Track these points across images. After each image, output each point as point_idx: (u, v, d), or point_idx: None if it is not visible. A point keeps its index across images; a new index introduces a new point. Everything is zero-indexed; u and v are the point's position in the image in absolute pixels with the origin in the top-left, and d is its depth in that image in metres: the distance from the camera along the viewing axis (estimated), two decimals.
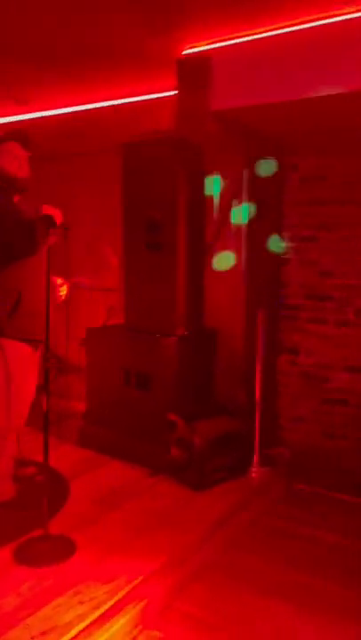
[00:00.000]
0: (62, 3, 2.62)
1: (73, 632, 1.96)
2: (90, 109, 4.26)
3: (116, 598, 2.15)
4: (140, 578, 2.28)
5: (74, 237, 4.53)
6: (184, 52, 3.07)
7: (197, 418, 3.22)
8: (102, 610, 2.08)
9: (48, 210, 2.55)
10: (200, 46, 3.02)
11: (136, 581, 2.26)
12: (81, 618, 2.03)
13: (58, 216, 2.56)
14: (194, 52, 3.05)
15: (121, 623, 2.07)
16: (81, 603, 2.11)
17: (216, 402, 3.61)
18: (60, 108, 4.39)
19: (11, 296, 2.51)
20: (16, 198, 2.67)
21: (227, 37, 2.94)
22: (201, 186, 3.53)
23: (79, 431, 3.81)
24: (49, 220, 2.51)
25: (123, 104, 4.03)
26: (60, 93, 4.07)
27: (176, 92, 3.31)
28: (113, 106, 4.07)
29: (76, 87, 3.90)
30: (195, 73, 3.04)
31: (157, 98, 3.79)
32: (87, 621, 2.01)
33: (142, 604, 2.17)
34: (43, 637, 1.92)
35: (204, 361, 3.64)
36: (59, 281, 2.82)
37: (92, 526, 2.70)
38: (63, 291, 2.83)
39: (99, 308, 4.54)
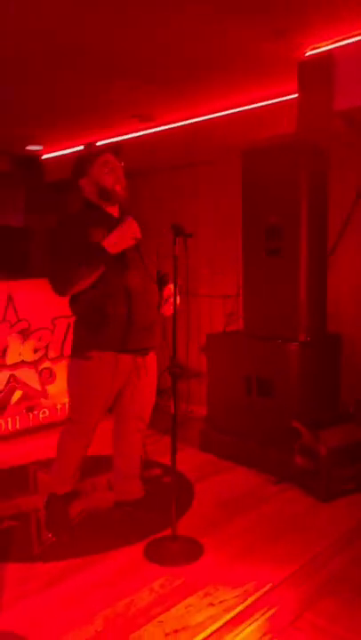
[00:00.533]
0: (176, 19, 2.68)
1: (205, 633, 1.99)
2: (210, 119, 4.34)
3: (246, 603, 2.15)
4: (270, 585, 2.26)
5: (194, 246, 4.68)
6: (306, 54, 3.03)
7: (323, 426, 3.14)
8: (233, 613, 2.09)
9: (118, 238, 2.46)
10: (322, 46, 2.96)
11: (265, 588, 2.24)
12: (212, 619, 2.05)
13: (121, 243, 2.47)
14: (316, 53, 3.00)
15: (251, 629, 2.06)
16: (211, 605, 2.14)
17: (342, 410, 3.49)
18: (181, 120, 4.52)
19: (94, 312, 2.52)
20: (113, 210, 2.63)
21: (350, 35, 2.86)
22: (323, 188, 3.45)
23: (201, 435, 3.87)
24: (101, 255, 2.44)
25: (242, 111, 4.06)
26: (181, 108, 4.20)
27: (296, 95, 3.27)
28: (232, 114, 4.12)
29: (196, 101, 4.00)
30: (317, 74, 2.99)
31: (276, 102, 3.77)
32: (219, 623, 2.04)
33: (272, 611, 2.15)
34: (176, 635, 1.97)
35: (328, 367, 3.54)
36: (170, 291, 2.70)
37: (219, 530, 2.73)
38: (168, 309, 2.71)
39: (218, 314, 4.59)
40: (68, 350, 4.42)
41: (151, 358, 2.77)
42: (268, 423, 3.40)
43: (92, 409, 2.64)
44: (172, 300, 2.63)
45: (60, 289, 2.49)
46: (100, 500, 3.10)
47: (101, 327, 2.52)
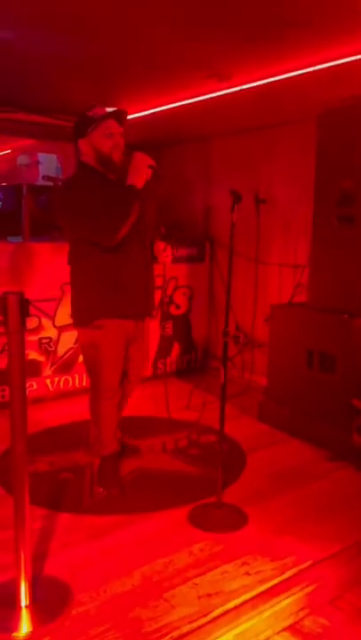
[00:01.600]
0: None
1: (238, 600, 2.00)
2: (288, 78, 4.12)
3: (283, 577, 2.14)
4: (310, 562, 2.23)
5: (267, 212, 4.55)
6: None
7: None
8: (268, 585, 2.09)
9: (135, 173, 2.48)
10: None
11: (305, 565, 2.22)
12: (247, 588, 2.06)
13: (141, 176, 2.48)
14: None
15: (287, 602, 2.05)
16: (247, 574, 2.14)
17: None
18: (260, 80, 4.33)
19: (106, 276, 2.57)
20: (113, 176, 2.62)
21: None
22: None
23: (259, 406, 3.83)
24: (132, 195, 2.46)
25: (324, 69, 3.81)
26: (260, 66, 4.00)
27: None
28: (311, 72, 3.88)
29: (275, 58, 3.79)
30: None
31: (356, 60, 3.50)
32: (253, 593, 2.05)
33: (311, 588, 2.12)
34: (208, 599, 2.00)
35: None
36: (162, 246, 2.83)
37: (266, 502, 2.71)
38: (167, 256, 2.83)
39: (288, 284, 4.46)
40: None
41: (146, 323, 2.90)
42: (328, 399, 3.30)
43: (112, 372, 2.75)
44: (169, 248, 2.79)
45: (112, 238, 2.47)
46: (154, 460, 3.17)
47: (111, 294, 2.58)
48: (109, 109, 2.57)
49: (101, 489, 2.79)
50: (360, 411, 3.02)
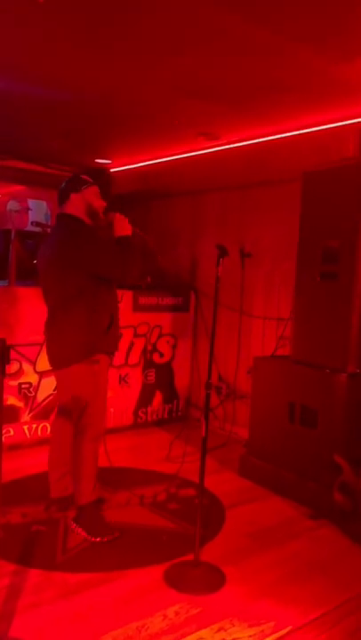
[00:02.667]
0: (249, 46, 2.67)
1: None
2: (274, 140, 4.29)
3: None
4: (289, 628, 2.15)
5: (251, 266, 4.62)
6: None
7: None
8: None
9: (121, 227, 2.87)
10: None
11: (284, 631, 2.13)
12: None
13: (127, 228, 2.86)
14: None
15: None
16: None
17: None
18: (247, 140, 4.49)
19: (106, 315, 2.82)
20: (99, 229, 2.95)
21: None
22: None
23: (240, 460, 3.77)
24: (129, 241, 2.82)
25: (305, 134, 3.98)
26: (246, 127, 4.17)
27: None
28: (297, 136, 4.05)
29: (260, 121, 3.96)
30: None
31: (342, 126, 3.66)
32: None
33: None
34: None
35: None
36: None
37: (245, 561, 2.63)
38: None
39: (271, 337, 4.49)
40: (117, 360, 4.49)
41: None
42: (310, 455, 3.26)
43: (103, 409, 2.91)
44: None
45: (135, 278, 2.88)
46: (131, 514, 3.08)
47: (107, 331, 2.81)
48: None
49: (98, 538, 2.72)
50: (342, 468, 2.98)
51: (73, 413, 2.84)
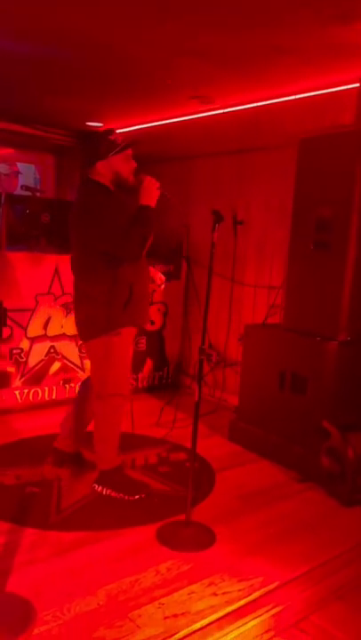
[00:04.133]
0: (247, 6, 2.61)
1: (204, 621, 1.98)
2: (271, 104, 4.22)
3: (249, 598, 2.13)
4: (277, 583, 2.23)
5: (244, 233, 4.61)
6: None
7: (354, 429, 3.04)
8: (235, 606, 2.08)
9: (147, 195, 2.70)
10: None
11: (272, 586, 2.21)
12: (213, 609, 2.05)
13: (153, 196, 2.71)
14: None
15: (253, 624, 2.04)
16: (214, 594, 2.13)
17: None
18: (243, 104, 4.42)
19: (125, 289, 2.72)
20: (126, 196, 2.82)
21: None
22: None
23: (230, 425, 3.84)
24: (149, 213, 2.69)
25: (302, 98, 3.92)
26: (243, 91, 4.09)
27: (359, 84, 3.12)
28: (293, 101, 3.99)
29: (256, 85, 3.89)
30: None
31: (340, 91, 3.62)
32: (219, 614, 2.03)
33: (276, 610, 2.12)
34: (174, 619, 1.98)
35: None
36: (153, 271, 3.08)
37: (234, 521, 2.71)
38: (159, 282, 3.13)
39: (262, 305, 4.52)
40: None
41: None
42: (299, 420, 3.33)
43: (125, 379, 2.89)
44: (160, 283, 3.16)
45: (137, 254, 2.67)
46: None
47: (129, 304, 2.72)
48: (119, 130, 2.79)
49: (130, 497, 2.82)
50: (330, 433, 3.05)
51: (93, 381, 2.89)
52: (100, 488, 2.87)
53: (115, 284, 2.69)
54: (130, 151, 2.76)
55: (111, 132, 2.77)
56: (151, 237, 2.67)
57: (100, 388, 2.84)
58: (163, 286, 3.13)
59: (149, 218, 2.68)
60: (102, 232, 2.63)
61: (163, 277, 3.17)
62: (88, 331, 2.82)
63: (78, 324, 2.89)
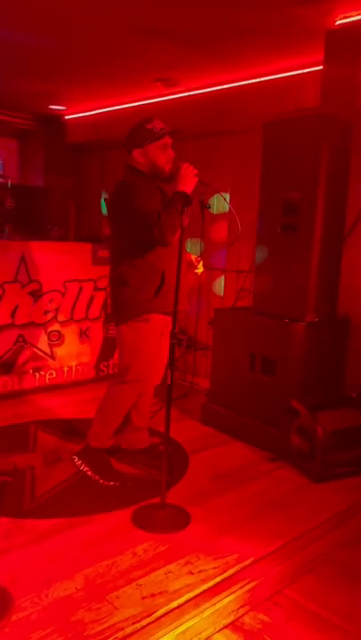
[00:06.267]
0: None
1: (181, 600, 2.02)
2: (233, 87, 4.23)
3: (224, 575, 2.17)
4: (251, 559, 2.28)
5: (211, 218, 4.61)
6: (337, 23, 2.90)
7: (322, 408, 3.11)
8: (211, 584, 2.12)
9: (184, 182, 2.61)
10: (352, 16, 2.83)
11: (246, 562, 2.26)
12: (190, 587, 2.08)
13: (190, 183, 2.63)
14: (345, 23, 2.87)
15: (228, 600, 2.09)
16: (190, 573, 2.17)
17: (344, 394, 3.46)
18: (205, 87, 4.41)
19: (156, 275, 2.72)
20: (163, 184, 2.81)
21: None
22: (345, 165, 3.34)
23: (201, 408, 3.88)
24: (184, 200, 2.56)
25: (266, 81, 3.94)
26: (206, 73, 4.08)
27: (321, 67, 3.15)
28: (257, 83, 4.00)
29: (221, 67, 3.89)
30: (345, 45, 2.86)
31: (303, 74, 3.64)
32: (195, 592, 2.07)
33: (251, 585, 2.17)
34: (152, 599, 2.01)
35: (334, 350, 3.49)
36: (193, 257, 3.00)
37: (208, 502, 2.75)
38: (200, 268, 3.01)
39: (231, 289, 4.55)
40: (77, 314, 4.46)
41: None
42: (269, 401, 3.39)
43: (149, 368, 2.88)
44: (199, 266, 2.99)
45: (166, 239, 2.59)
46: None
47: (159, 291, 2.72)
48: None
49: (105, 481, 2.82)
50: (299, 412, 3.12)
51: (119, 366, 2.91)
52: (79, 462, 2.90)
53: (146, 269, 2.70)
54: (168, 140, 2.73)
55: (149, 120, 2.73)
56: (185, 223, 2.59)
57: (122, 373, 2.87)
58: (200, 271, 3.01)
59: (183, 204, 2.58)
60: (133, 215, 2.62)
61: (200, 262, 3.03)
62: (118, 315, 2.84)
63: (112, 308, 2.92)
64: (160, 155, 2.72)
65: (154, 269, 2.71)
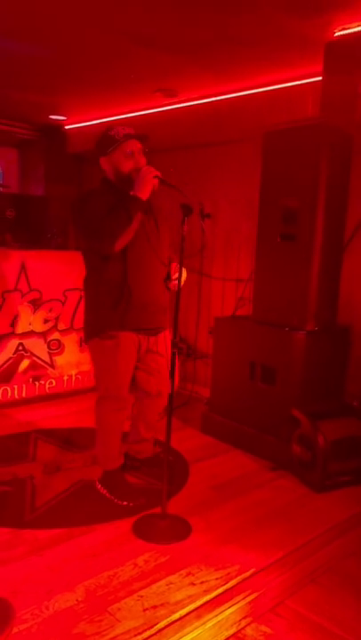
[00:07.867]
0: None
1: (183, 611, 2.01)
2: (233, 98, 4.25)
3: (226, 586, 2.16)
4: (253, 570, 2.27)
5: (211, 227, 4.63)
6: (336, 34, 2.92)
7: (323, 417, 3.11)
8: (213, 595, 2.11)
9: (139, 185, 2.48)
10: (351, 27, 2.86)
11: (248, 573, 2.25)
12: (192, 599, 2.07)
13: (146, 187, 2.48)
14: (345, 34, 2.89)
15: (231, 611, 2.08)
16: (192, 584, 2.15)
17: (345, 403, 3.45)
18: (205, 98, 4.44)
19: (115, 289, 2.59)
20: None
21: None
22: (344, 175, 3.36)
23: (202, 417, 3.87)
24: (134, 204, 2.45)
25: (265, 92, 3.97)
26: (206, 84, 4.11)
27: (320, 78, 3.17)
28: (257, 94, 4.03)
29: (220, 77, 3.92)
30: (344, 56, 2.89)
31: (303, 84, 3.67)
32: (197, 603, 2.05)
33: (253, 596, 2.16)
34: (154, 611, 1.99)
35: (334, 359, 3.49)
36: (173, 266, 2.80)
37: (209, 512, 2.74)
38: (181, 275, 2.73)
39: (231, 298, 4.56)
40: (77, 323, 4.46)
41: (165, 337, 2.86)
42: (269, 410, 3.38)
43: (121, 383, 2.74)
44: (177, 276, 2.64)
45: (108, 244, 2.44)
46: (97, 472, 3.12)
47: (123, 307, 2.60)
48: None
49: (125, 502, 2.74)
50: (300, 421, 3.11)
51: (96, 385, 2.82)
52: (99, 486, 2.85)
53: (104, 283, 2.59)
54: (135, 146, 2.56)
55: (112, 127, 2.61)
56: (132, 230, 2.48)
57: (97, 390, 2.82)
58: (176, 282, 2.65)
59: (130, 208, 2.44)
60: (80, 226, 2.57)
61: (176, 271, 2.71)
62: (85, 332, 2.78)
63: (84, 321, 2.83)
64: (123, 161, 2.55)
65: (112, 283, 2.58)
